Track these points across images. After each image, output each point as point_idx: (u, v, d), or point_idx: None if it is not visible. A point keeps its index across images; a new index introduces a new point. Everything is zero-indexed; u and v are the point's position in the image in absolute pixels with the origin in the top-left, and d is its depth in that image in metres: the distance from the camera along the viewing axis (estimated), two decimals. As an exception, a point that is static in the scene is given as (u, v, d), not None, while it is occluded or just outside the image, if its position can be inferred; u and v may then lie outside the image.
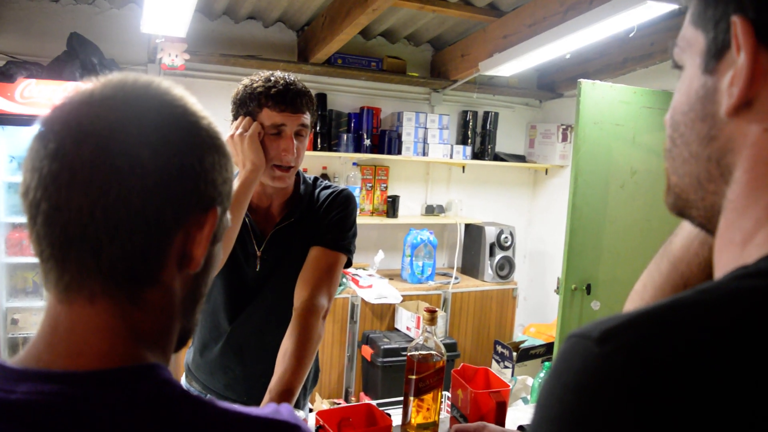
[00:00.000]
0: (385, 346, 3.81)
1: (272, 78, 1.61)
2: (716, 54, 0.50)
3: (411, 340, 3.94)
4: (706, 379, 0.38)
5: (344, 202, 1.77)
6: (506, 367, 4.02)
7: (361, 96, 4.41)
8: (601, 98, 3.29)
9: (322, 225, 1.72)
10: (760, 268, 0.44)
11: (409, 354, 1.50)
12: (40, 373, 0.57)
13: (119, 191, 0.57)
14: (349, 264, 1.76)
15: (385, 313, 4.16)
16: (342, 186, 1.84)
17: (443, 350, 1.51)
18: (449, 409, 1.62)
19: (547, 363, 2.06)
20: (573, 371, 0.43)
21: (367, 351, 3.92)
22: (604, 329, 0.43)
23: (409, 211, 4.72)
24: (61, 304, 0.60)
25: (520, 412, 1.74)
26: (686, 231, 0.75)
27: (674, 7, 2.69)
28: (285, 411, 0.64)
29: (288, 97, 1.58)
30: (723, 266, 0.51)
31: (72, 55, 3.44)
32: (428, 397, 1.48)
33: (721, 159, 0.51)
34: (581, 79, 3.25)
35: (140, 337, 0.61)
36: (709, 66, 0.51)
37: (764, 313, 0.41)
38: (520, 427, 1.35)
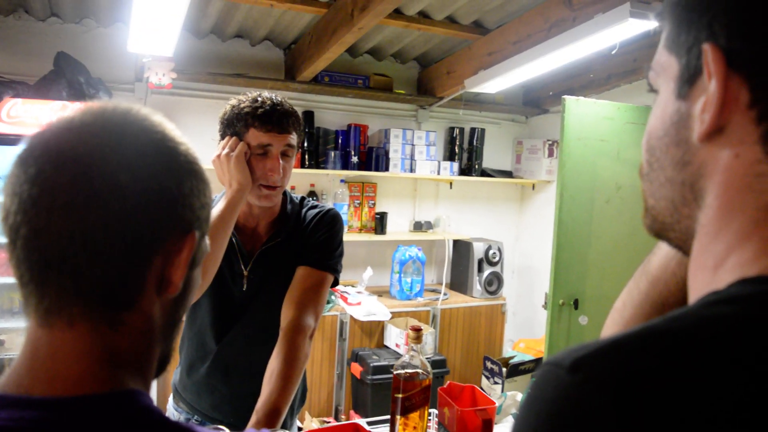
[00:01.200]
0: (375, 364, 3.80)
1: (259, 99, 1.62)
2: (689, 80, 0.51)
3: (400, 357, 3.92)
4: (675, 409, 0.39)
5: (331, 222, 1.77)
6: (496, 383, 4.01)
7: (348, 113, 4.44)
8: (585, 114, 3.32)
9: (309, 244, 1.72)
10: (729, 295, 0.45)
11: (395, 372, 1.50)
12: (20, 399, 0.57)
13: (98, 215, 0.58)
14: (335, 283, 1.77)
15: (374, 330, 4.15)
16: (329, 206, 1.85)
17: (429, 368, 1.51)
18: (437, 427, 1.62)
19: (533, 379, 2.06)
20: (545, 399, 0.44)
21: (356, 368, 3.91)
22: (575, 358, 0.44)
23: (398, 227, 4.73)
24: (41, 328, 0.60)
25: (507, 429, 1.75)
26: (664, 251, 0.76)
27: (655, 24, 2.73)
28: None
29: (274, 118, 1.59)
30: (696, 290, 0.51)
31: (59, 74, 3.44)
32: (414, 415, 1.48)
33: (694, 184, 0.51)
34: (565, 96, 3.29)
35: (120, 362, 0.61)
36: (682, 91, 0.52)
37: (731, 341, 0.41)
38: (507, 445, 1.35)
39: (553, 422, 0.42)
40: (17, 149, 0.61)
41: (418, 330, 1.49)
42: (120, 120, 0.63)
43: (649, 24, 2.71)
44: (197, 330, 1.75)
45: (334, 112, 4.38)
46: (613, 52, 3.00)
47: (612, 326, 0.82)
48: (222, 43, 3.98)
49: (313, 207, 1.82)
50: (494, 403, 1.53)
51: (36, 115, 3.27)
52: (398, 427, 1.48)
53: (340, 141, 4.32)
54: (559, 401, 0.43)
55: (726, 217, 0.49)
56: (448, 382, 1.65)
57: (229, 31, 3.86)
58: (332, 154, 4.20)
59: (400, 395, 1.47)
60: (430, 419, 1.56)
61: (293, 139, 1.65)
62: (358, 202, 4.51)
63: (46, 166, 0.58)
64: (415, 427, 1.48)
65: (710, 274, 0.50)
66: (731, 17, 0.47)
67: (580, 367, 0.43)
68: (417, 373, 1.48)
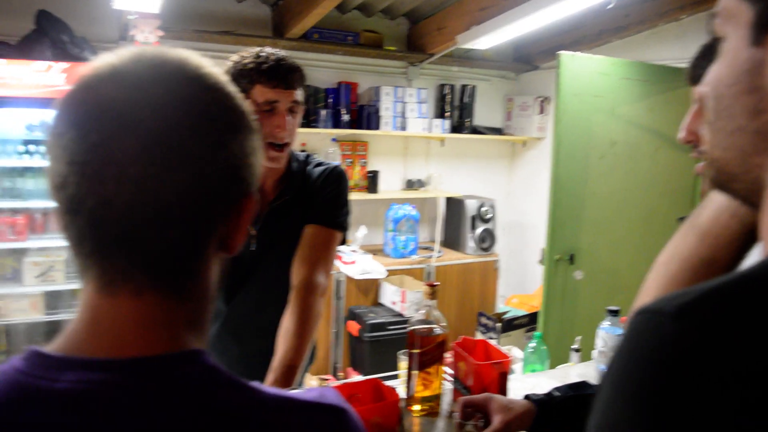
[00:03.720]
0: (372, 321, 3.83)
1: (262, 54, 1.59)
2: (765, 26, 0.50)
3: (396, 314, 3.96)
4: None
5: (338, 179, 1.77)
6: (491, 338, 4.06)
7: (338, 71, 4.37)
8: (581, 70, 3.30)
9: (317, 202, 1.71)
10: None
11: (411, 328, 1.50)
12: (85, 361, 0.55)
13: (171, 187, 0.55)
14: (343, 241, 1.76)
15: (370, 288, 4.17)
16: (334, 162, 1.83)
17: (445, 323, 1.52)
18: (451, 381, 1.63)
19: (537, 333, 2.08)
20: (649, 348, 0.43)
21: (353, 326, 3.94)
22: (678, 305, 0.43)
23: (389, 186, 4.71)
24: (103, 297, 0.58)
25: (517, 382, 1.77)
26: (715, 203, 0.75)
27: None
28: (330, 394, 0.63)
29: (280, 73, 1.56)
30: None
31: (41, 34, 3.34)
32: (431, 369, 1.49)
33: None
34: (561, 51, 3.26)
35: (184, 325, 0.60)
36: (758, 38, 0.50)
37: None
38: (527, 397, 1.37)
39: (660, 369, 0.41)
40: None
41: (433, 286, 1.49)
42: (179, 75, 0.59)
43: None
44: (206, 291, 1.74)
45: (323, 69, 4.30)
46: (609, 7, 2.97)
47: (656, 279, 0.82)
48: (207, 0, 3.87)
49: (319, 164, 1.81)
50: (508, 357, 1.55)
51: (20, 77, 3.18)
52: (416, 382, 1.49)
53: (330, 99, 4.26)
54: (666, 348, 0.42)
55: None
56: (461, 336, 1.66)
57: (216, -13, 3.76)
58: (323, 112, 4.15)
59: (416, 350, 1.48)
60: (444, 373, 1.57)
61: (299, 94, 1.62)
62: (350, 161, 4.48)
63: (108, 132, 0.54)
64: (431, 381, 1.50)
65: None
66: None
67: (685, 314, 0.42)
68: (432, 328, 1.49)
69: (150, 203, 0.55)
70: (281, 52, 1.62)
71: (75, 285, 3.43)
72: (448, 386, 1.63)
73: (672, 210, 3.72)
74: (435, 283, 1.50)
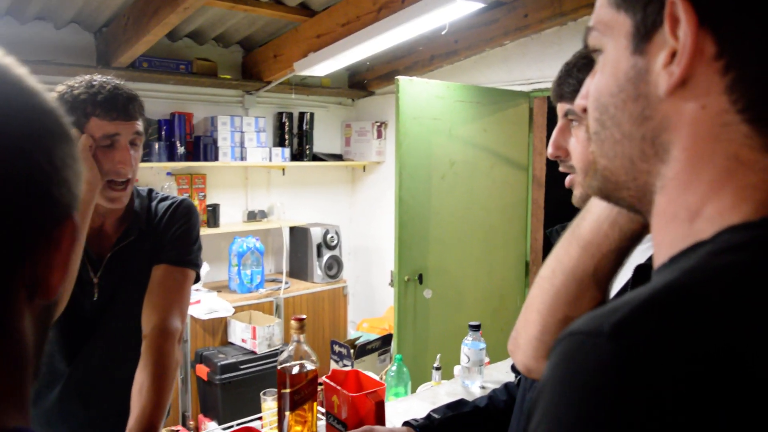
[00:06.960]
0: (222, 363, 3.63)
1: (95, 83, 1.44)
2: (646, 35, 0.50)
3: (248, 352, 3.79)
4: (733, 357, 0.39)
5: (186, 214, 1.64)
6: (345, 365, 4.02)
7: (171, 101, 4.16)
8: (418, 94, 3.40)
9: (165, 240, 1.58)
10: (728, 244, 0.45)
11: (280, 367, 1.42)
12: None
13: None
14: (197, 279, 1.64)
15: (217, 327, 3.97)
16: (180, 196, 1.70)
17: (314, 358, 1.45)
18: (323, 417, 1.56)
19: (398, 356, 2.08)
20: (589, 371, 0.41)
21: (202, 370, 3.71)
22: (613, 323, 0.41)
23: (231, 218, 4.54)
24: None
25: (389, 408, 1.74)
26: (595, 214, 0.77)
27: (482, 5, 2.86)
28: None
29: (119, 104, 1.43)
30: (670, 242, 0.51)
31: None
32: (306, 407, 1.41)
33: (656, 138, 0.51)
34: (399, 76, 3.34)
35: None
36: (639, 47, 0.51)
37: (754, 288, 0.42)
38: (406, 423, 1.34)
39: (606, 393, 0.39)
40: None
41: (301, 320, 1.42)
42: None
43: (476, 5, 2.82)
44: (42, 350, 1.53)
45: (155, 100, 4.06)
46: (444, 32, 3.10)
47: (541, 294, 0.82)
48: (21, 26, 3.51)
49: (164, 199, 1.68)
50: (383, 384, 1.51)
51: None
52: (289, 423, 1.40)
53: (163, 131, 4.04)
54: (609, 370, 0.40)
55: (696, 168, 0.49)
56: (331, 369, 1.60)
57: (30, 12, 3.42)
58: (156, 145, 3.92)
59: (287, 390, 1.39)
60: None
61: (140, 125, 1.50)
62: (188, 194, 4.26)
63: None
64: (306, 421, 1.42)
65: (685, 225, 0.50)
66: None
67: (622, 332, 0.41)
68: (303, 364, 1.42)
69: None
70: (114, 80, 1.48)
71: None
72: (321, 423, 1.56)
73: (509, 223, 3.94)
74: (302, 317, 1.43)
